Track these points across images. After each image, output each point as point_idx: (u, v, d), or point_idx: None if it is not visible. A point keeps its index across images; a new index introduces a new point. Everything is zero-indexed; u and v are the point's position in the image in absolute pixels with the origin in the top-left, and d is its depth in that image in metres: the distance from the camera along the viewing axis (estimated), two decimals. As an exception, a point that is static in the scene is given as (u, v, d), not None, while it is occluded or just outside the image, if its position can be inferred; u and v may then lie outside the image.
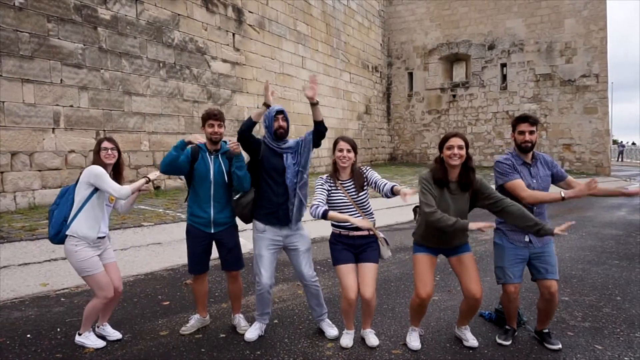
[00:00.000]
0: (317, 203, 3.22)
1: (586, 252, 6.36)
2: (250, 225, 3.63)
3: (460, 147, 3.12)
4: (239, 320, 3.73)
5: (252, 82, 13.22)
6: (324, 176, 3.46)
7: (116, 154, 3.45)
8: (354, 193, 3.35)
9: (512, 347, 3.38)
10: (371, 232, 3.36)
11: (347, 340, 3.41)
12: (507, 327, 3.55)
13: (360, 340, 3.47)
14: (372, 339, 3.41)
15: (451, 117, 21.10)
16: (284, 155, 3.45)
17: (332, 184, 3.39)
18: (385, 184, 3.32)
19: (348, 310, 3.39)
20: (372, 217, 3.42)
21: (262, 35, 13.67)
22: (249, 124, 3.41)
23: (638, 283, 4.93)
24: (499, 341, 3.44)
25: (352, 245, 3.37)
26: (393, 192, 3.25)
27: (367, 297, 3.28)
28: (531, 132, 3.29)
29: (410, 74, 22.18)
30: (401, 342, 3.44)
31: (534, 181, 3.30)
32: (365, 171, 3.45)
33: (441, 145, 3.20)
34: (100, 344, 3.39)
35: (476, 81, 20.59)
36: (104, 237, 3.45)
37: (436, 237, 3.22)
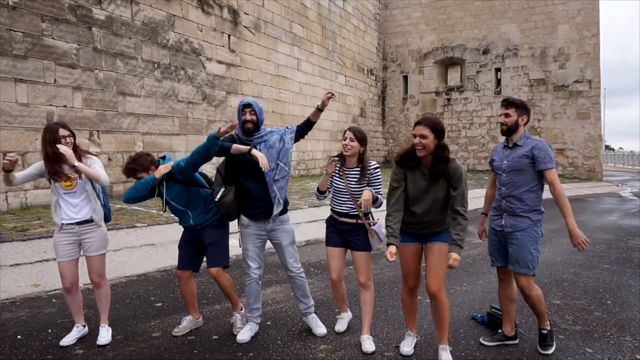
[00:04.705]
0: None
1: (577, 256, 6.41)
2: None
3: (422, 137, 2.94)
4: (236, 320, 3.72)
5: (247, 84, 13.22)
6: (336, 158, 3.47)
7: (72, 141, 3.42)
8: (353, 183, 3.40)
9: (504, 349, 3.40)
10: (359, 221, 3.42)
11: (340, 325, 3.65)
12: (498, 330, 3.57)
13: (354, 343, 3.48)
14: (368, 345, 3.34)
15: (446, 121, 21.19)
16: (256, 148, 3.39)
17: (337, 171, 3.46)
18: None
19: (335, 292, 3.65)
20: (368, 209, 3.42)
21: (258, 36, 13.67)
22: (224, 150, 3.34)
23: (628, 287, 4.97)
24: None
25: (340, 230, 3.50)
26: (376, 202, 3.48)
27: (361, 281, 3.46)
28: (506, 115, 3.29)
29: (405, 78, 22.27)
30: (394, 345, 3.45)
31: (505, 162, 3.31)
32: (372, 170, 3.43)
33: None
34: (66, 342, 3.42)
35: (471, 85, 20.71)
36: (72, 223, 3.39)
37: (412, 224, 3.13)
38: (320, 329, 3.62)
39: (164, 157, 3.60)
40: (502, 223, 3.32)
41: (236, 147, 3.34)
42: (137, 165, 3.43)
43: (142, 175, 3.43)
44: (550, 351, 3.30)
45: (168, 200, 3.51)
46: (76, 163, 3.27)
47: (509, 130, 3.30)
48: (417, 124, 3.01)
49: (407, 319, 3.42)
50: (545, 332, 3.36)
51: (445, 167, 2.97)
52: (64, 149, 3.24)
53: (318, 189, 3.53)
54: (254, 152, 3.30)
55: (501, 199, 3.33)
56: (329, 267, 3.56)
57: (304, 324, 3.80)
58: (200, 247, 3.69)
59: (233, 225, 3.72)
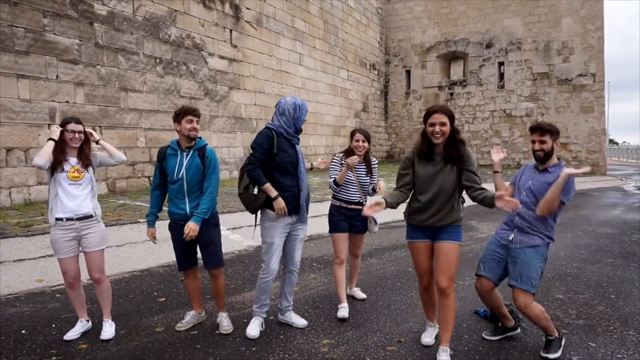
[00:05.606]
0: (332, 177, 4.07)
1: (581, 251, 6.39)
2: (237, 222, 3.67)
3: (442, 124, 3.01)
4: (222, 319, 3.66)
5: (249, 79, 13.19)
6: (340, 155, 4.15)
7: (82, 137, 3.40)
8: (362, 175, 4.09)
9: (507, 343, 3.40)
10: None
11: (343, 312, 3.87)
12: (499, 324, 3.57)
13: (357, 337, 3.48)
14: (358, 294, 4.38)
15: (448, 115, 21.12)
16: (297, 147, 3.62)
17: (344, 164, 4.02)
18: (371, 185, 4.17)
19: (338, 275, 4.02)
20: (367, 198, 4.07)
21: (260, 31, 13.63)
22: (259, 185, 3.46)
23: (632, 281, 4.96)
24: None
25: (347, 216, 4.06)
26: (374, 190, 4.18)
27: (357, 254, 4.36)
28: (541, 142, 3.22)
29: (408, 72, 22.18)
30: (396, 339, 3.46)
31: (529, 182, 3.31)
32: (375, 165, 4.21)
33: (425, 120, 3.11)
34: (69, 336, 3.44)
35: (474, 79, 20.61)
36: (72, 219, 3.35)
37: (419, 212, 3.15)
38: (302, 320, 3.75)
39: (199, 137, 3.60)
40: (511, 238, 3.28)
41: (267, 187, 3.42)
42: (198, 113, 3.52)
43: (189, 118, 3.44)
44: (553, 357, 3.14)
45: (185, 170, 3.42)
46: (98, 138, 3.56)
47: (546, 157, 3.25)
48: (433, 112, 3.05)
49: (427, 312, 3.46)
50: (551, 338, 3.22)
51: (462, 149, 3.07)
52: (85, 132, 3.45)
53: (335, 182, 4.04)
54: (277, 201, 3.41)
55: (515, 214, 3.28)
56: (337, 250, 4.04)
57: (308, 319, 3.81)
58: (194, 242, 3.61)
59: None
